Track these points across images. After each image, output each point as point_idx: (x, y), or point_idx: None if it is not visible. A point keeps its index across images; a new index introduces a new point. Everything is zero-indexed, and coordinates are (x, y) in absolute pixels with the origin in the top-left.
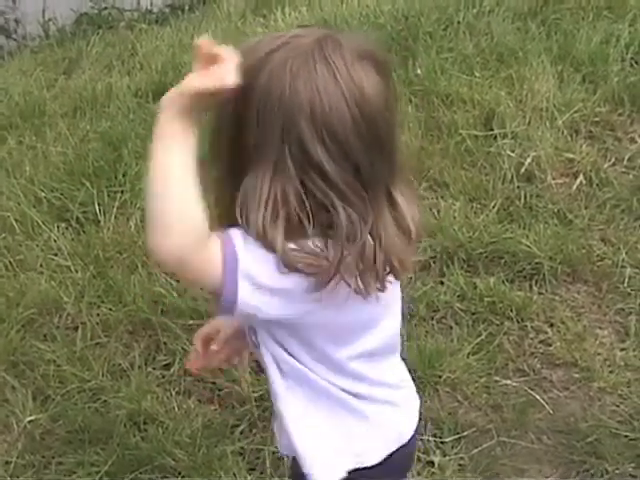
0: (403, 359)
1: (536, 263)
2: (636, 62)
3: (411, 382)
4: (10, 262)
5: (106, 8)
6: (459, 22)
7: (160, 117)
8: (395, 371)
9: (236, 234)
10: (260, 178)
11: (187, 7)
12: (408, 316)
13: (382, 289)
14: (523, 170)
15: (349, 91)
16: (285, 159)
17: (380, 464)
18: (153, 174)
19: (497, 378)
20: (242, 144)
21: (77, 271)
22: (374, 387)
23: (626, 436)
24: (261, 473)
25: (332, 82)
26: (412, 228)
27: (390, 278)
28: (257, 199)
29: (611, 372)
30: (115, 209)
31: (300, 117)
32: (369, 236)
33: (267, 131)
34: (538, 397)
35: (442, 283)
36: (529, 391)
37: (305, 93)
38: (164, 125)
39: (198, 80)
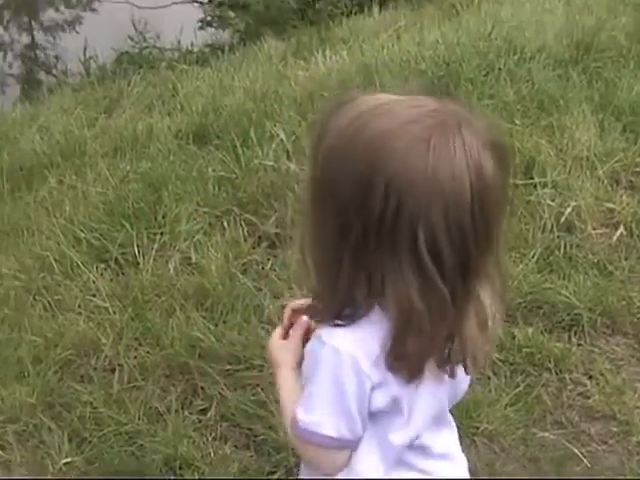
0: None
1: (575, 314)
2: None
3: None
4: (49, 302)
5: (147, 47)
6: (500, 69)
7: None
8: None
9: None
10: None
11: (227, 47)
12: None
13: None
14: (563, 220)
15: (476, 182)
16: (415, 247)
17: None
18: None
19: (535, 430)
20: (352, 224)
21: (115, 313)
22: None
23: None
24: None
25: (465, 169)
26: (489, 321)
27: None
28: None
29: None
30: (154, 251)
31: (437, 203)
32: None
33: (397, 212)
34: (576, 450)
35: None
36: (567, 444)
37: (444, 177)
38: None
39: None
